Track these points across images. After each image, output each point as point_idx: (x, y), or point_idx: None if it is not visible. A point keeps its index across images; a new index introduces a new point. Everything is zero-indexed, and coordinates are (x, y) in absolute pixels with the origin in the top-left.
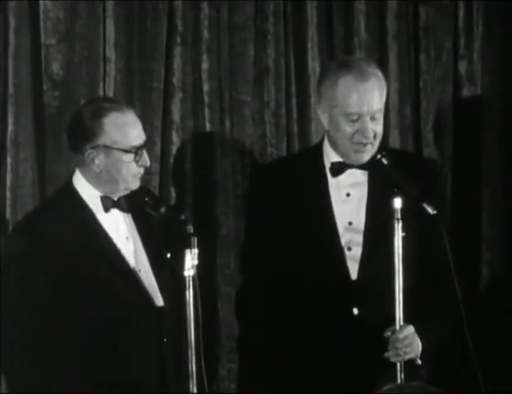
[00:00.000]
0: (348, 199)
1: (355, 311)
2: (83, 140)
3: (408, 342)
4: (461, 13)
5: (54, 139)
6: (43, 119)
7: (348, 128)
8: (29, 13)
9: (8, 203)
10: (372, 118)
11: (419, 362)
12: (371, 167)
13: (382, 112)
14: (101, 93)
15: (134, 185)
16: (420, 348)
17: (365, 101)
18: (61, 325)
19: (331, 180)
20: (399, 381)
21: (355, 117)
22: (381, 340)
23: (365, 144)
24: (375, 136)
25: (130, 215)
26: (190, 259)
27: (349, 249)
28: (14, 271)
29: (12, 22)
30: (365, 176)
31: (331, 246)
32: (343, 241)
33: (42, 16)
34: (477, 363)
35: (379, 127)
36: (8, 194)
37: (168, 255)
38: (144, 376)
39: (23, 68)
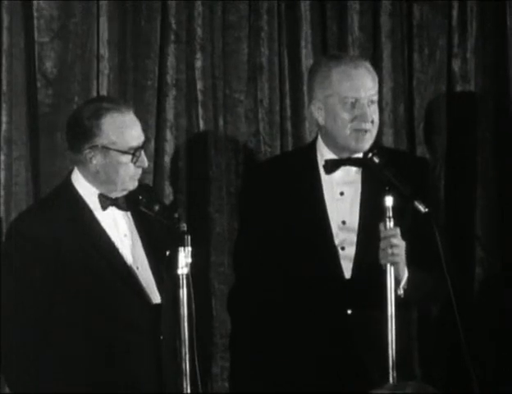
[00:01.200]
0: (342, 197)
1: (349, 310)
2: (81, 140)
3: (397, 242)
4: (455, 11)
5: (48, 137)
6: (36, 117)
7: (346, 115)
8: (22, 11)
9: (2, 201)
10: (369, 104)
11: (401, 291)
12: (364, 165)
13: (377, 100)
14: (94, 91)
15: (132, 185)
16: (406, 275)
17: (361, 85)
18: (58, 322)
19: (324, 178)
20: (391, 379)
21: (353, 101)
22: (373, 340)
23: (365, 131)
24: (373, 122)
25: (128, 213)
26: (184, 257)
27: (343, 248)
28: (11, 268)
29: (6, 20)
30: (359, 175)
31: (325, 246)
32: (336, 241)
33: (35, 14)
34: (470, 361)
35: (376, 115)
36: (2, 192)
37: (167, 253)
38: (141, 373)
39: (16, 66)
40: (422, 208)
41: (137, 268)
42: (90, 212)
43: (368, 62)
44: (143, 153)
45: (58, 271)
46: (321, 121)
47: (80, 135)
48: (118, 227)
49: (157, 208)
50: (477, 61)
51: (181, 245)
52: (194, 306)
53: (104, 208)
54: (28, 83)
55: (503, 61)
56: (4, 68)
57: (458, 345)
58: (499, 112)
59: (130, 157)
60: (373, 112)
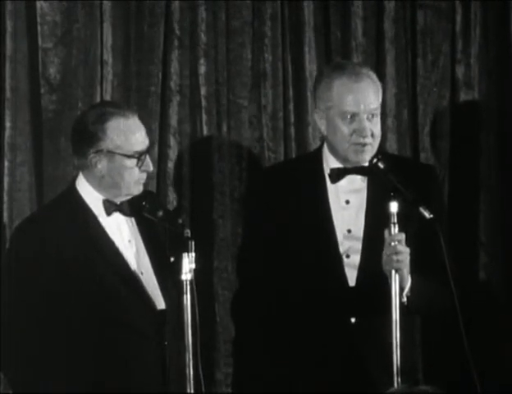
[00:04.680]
0: (347, 206)
1: (353, 319)
2: (86, 145)
3: (401, 248)
4: (458, 17)
5: (51, 143)
6: (40, 122)
7: (345, 128)
8: (26, 16)
9: (5, 206)
10: (369, 118)
11: (405, 299)
12: (370, 173)
13: (379, 113)
14: (98, 96)
15: (137, 190)
16: (409, 282)
17: (361, 99)
18: (62, 327)
19: (330, 186)
20: (395, 386)
21: (352, 116)
22: (378, 347)
23: (364, 145)
24: (373, 136)
25: (133, 218)
26: (188, 263)
27: (348, 256)
28: (15, 272)
29: (9, 25)
30: (364, 183)
31: (330, 254)
32: (342, 249)
33: (39, 20)
34: (474, 368)
35: (377, 128)
36: (5, 197)
37: (172, 259)
38: (145, 379)
39: (20, 71)
40: (426, 214)
41: (141, 274)
42: (95, 217)
43: (372, 72)
44: (148, 157)
45: (62, 276)
46: (323, 130)
47: (85, 139)
48: (122, 233)
49: (160, 213)
50: (480, 67)
51: (185, 251)
52: (197, 312)
53: (109, 213)
54: (31, 88)
55: (506, 66)
56: (8, 74)
57: (462, 350)
58: (502, 117)
59: (135, 161)
60: (374, 125)
